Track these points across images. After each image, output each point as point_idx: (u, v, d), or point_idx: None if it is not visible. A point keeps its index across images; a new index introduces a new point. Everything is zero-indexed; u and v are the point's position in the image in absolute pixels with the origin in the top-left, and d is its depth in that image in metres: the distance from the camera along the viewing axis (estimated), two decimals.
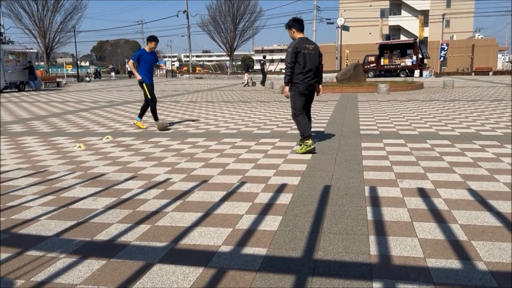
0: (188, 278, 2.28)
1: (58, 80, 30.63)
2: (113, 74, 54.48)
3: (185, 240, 2.78)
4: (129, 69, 52.95)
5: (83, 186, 4.13)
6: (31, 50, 25.82)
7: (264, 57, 26.75)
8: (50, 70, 44.98)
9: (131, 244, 2.73)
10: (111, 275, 2.33)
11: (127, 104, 14.21)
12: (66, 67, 43.64)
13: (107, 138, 7.04)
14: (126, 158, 5.46)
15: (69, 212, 3.38)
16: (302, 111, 5.64)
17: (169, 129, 7.86)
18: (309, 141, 5.43)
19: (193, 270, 2.37)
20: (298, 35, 5.58)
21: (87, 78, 39.20)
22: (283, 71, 5.57)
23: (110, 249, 2.66)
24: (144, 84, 7.78)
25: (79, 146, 6.26)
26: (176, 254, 2.57)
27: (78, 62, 57.90)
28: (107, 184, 4.19)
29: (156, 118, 8.06)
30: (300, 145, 5.59)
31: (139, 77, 7.72)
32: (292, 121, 6.29)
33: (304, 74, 5.49)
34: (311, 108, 6.01)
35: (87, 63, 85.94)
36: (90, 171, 4.79)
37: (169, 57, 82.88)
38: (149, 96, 7.83)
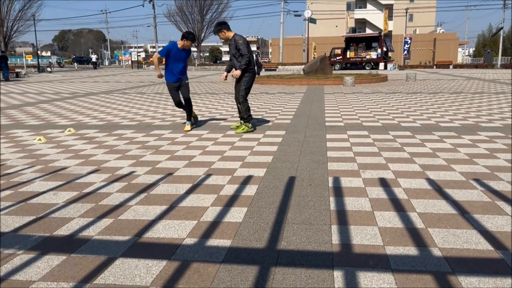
0: (151, 271, 2.26)
1: (17, 70, 29.39)
2: (75, 64, 52.52)
3: (148, 234, 2.75)
4: (93, 60, 50.97)
5: (43, 180, 4.01)
6: None
7: (258, 48, 27.08)
8: (8, 59, 43.03)
9: (92, 239, 2.68)
10: (71, 270, 2.28)
11: (90, 95, 13.84)
12: (25, 57, 41.95)
13: (69, 130, 6.84)
14: (89, 151, 5.33)
15: (27, 207, 3.27)
16: None
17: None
18: (250, 124, 6.54)
19: (156, 263, 2.35)
20: (231, 33, 6.39)
21: (49, 69, 37.79)
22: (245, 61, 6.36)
23: (71, 244, 2.61)
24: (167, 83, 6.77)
25: (39, 139, 6.05)
26: (139, 248, 2.55)
27: (39, 52, 55.66)
28: (68, 178, 4.08)
29: (189, 117, 6.94)
30: (240, 124, 6.58)
31: (159, 73, 6.70)
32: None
33: (252, 62, 6.48)
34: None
35: (49, 53, 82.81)
36: (51, 164, 4.65)
37: (135, 47, 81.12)
38: (171, 95, 6.76)
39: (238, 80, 6.49)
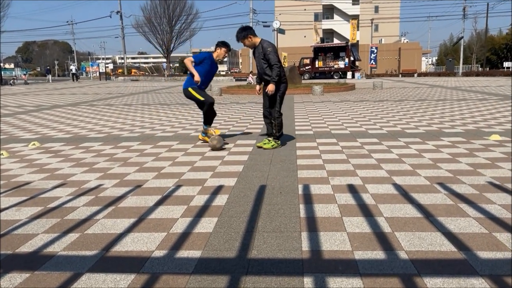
0: (119, 285, 2.21)
1: None
2: (49, 77, 45.87)
3: (116, 247, 2.69)
4: (73, 71, 45.51)
5: (5, 196, 3.87)
6: None
7: None
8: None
9: (58, 255, 2.60)
10: None
11: (56, 108, 13.49)
12: None
13: (34, 144, 6.64)
14: (54, 165, 5.19)
15: None
16: None
17: (223, 148, 5.98)
18: (279, 141, 5.91)
19: (124, 277, 2.30)
20: (257, 39, 5.74)
21: (11, 81, 36.56)
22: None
23: (35, 261, 2.52)
24: (190, 89, 6.24)
25: (2, 154, 5.84)
26: (107, 262, 2.49)
27: (2, 64, 53.64)
28: (32, 193, 3.95)
29: (208, 122, 6.49)
30: (268, 141, 5.84)
31: (197, 77, 6.02)
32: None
33: (283, 71, 5.79)
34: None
35: (12, 65, 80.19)
36: (14, 179, 4.49)
37: (103, 59, 79.83)
38: (202, 98, 6.23)
39: (268, 94, 5.73)
